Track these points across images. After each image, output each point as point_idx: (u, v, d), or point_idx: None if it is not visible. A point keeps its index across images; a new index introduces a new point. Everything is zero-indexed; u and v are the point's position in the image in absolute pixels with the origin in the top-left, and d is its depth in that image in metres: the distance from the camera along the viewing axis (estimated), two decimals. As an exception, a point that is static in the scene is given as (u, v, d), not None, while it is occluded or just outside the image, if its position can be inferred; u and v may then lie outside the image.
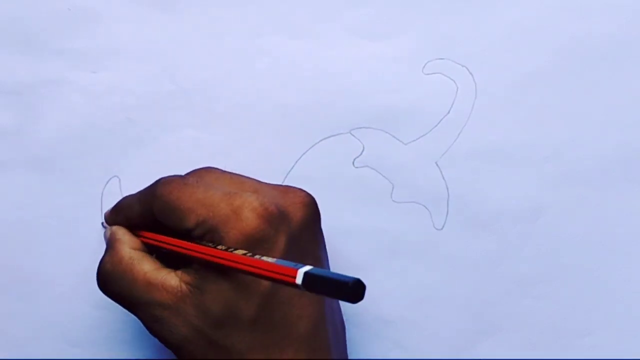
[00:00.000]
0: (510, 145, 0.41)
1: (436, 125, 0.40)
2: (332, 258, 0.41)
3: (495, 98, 0.40)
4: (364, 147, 0.41)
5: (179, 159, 0.40)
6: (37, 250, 0.41)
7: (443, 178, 0.41)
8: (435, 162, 0.41)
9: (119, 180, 0.40)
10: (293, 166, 0.40)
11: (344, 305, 0.41)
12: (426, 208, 0.41)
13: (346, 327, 0.41)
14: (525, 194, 0.41)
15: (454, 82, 0.40)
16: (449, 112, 0.40)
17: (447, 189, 0.41)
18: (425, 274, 0.41)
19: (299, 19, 0.40)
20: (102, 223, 0.40)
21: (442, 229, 0.41)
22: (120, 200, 0.38)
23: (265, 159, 0.41)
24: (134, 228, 0.36)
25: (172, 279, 0.32)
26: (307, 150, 0.40)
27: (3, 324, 0.41)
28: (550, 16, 0.40)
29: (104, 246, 0.40)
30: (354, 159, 0.41)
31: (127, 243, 0.35)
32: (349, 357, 0.40)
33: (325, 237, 0.38)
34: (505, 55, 0.40)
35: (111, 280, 0.34)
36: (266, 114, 0.40)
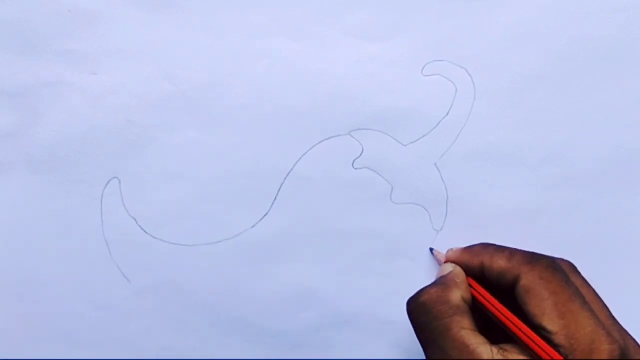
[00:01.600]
0: (508, 147, 0.41)
1: (435, 127, 0.41)
2: (332, 259, 0.41)
3: (494, 99, 0.41)
4: (363, 149, 0.41)
5: (178, 160, 0.40)
6: (37, 251, 0.41)
7: (442, 179, 0.41)
8: (434, 164, 0.41)
9: (119, 181, 0.40)
10: (293, 167, 0.41)
11: (343, 306, 0.41)
12: (425, 209, 0.41)
13: (346, 327, 0.41)
14: (523, 195, 0.41)
15: (453, 83, 0.40)
16: (447, 113, 0.41)
17: (446, 190, 0.41)
18: (425, 275, 0.41)
19: (299, 20, 0.40)
20: (432, 249, 0.40)
21: (441, 229, 0.41)
22: (483, 246, 0.37)
23: (265, 159, 0.41)
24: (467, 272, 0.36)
25: (485, 352, 0.32)
26: (307, 152, 0.41)
27: (3, 324, 0.41)
28: (548, 18, 0.40)
29: (104, 246, 0.41)
30: (354, 160, 0.41)
31: (463, 292, 0.35)
32: (349, 358, 0.41)
33: (324, 238, 0.38)
34: (503, 56, 0.40)
35: (428, 310, 0.34)
36: (266, 115, 0.41)
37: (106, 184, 0.40)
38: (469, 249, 0.37)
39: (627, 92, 0.41)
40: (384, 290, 0.41)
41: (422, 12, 0.40)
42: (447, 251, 0.39)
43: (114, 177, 0.40)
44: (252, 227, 0.41)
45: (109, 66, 0.40)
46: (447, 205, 0.41)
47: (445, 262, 0.38)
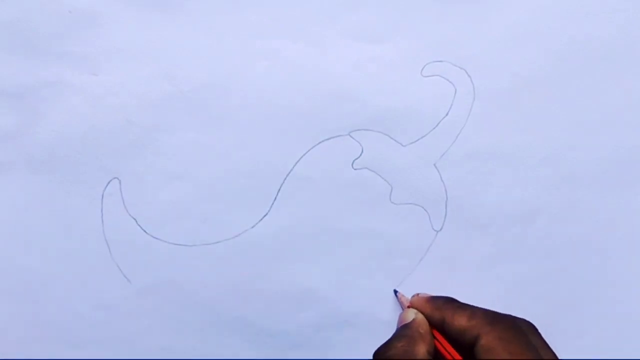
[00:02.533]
0: (507, 147, 0.41)
1: (435, 127, 0.41)
2: (332, 259, 0.41)
3: (493, 100, 0.41)
4: (363, 149, 0.41)
5: (179, 160, 0.41)
6: (38, 251, 0.41)
7: (441, 180, 0.41)
8: (434, 164, 0.41)
9: (119, 182, 0.40)
10: (293, 168, 0.41)
11: (343, 306, 0.41)
12: (425, 209, 0.41)
13: (346, 327, 0.41)
14: (522, 195, 0.41)
15: (452, 84, 0.41)
16: (447, 114, 0.41)
17: (446, 190, 0.41)
18: (424, 275, 0.41)
19: (299, 21, 0.40)
20: (396, 291, 0.41)
21: (440, 230, 0.41)
22: (446, 300, 0.37)
23: (265, 160, 0.41)
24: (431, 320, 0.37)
25: None
26: (307, 152, 0.41)
27: (3, 324, 0.41)
28: (547, 19, 0.41)
29: (105, 246, 0.41)
30: (353, 161, 0.41)
31: (427, 345, 0.35)
32: (349, 358, 0.41)
33: (325, 238, 0.38)
34: (503, 57, 0.41)
35: None
36: (266, 116, 0.41)
37: (107, 185, 0.40)
38: (433, 300, 0.37)
39: (626, 92, 0.41)
40: (384, 290, 0.41)
41: (422, 13, 0.40)
42: (413, 296, 0.39)
43: (115, 178, 0.41)
44: (252, 227, 0.41)
45: (109, 67, 0.40)
46: (446, 205, 0.41)
47: (408, 307, 0.38)
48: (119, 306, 0.41)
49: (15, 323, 0.41)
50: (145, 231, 0.41)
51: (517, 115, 0.41)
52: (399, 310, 0.41)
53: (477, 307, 0.35)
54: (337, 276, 0.41)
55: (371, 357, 0.40)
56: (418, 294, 0.39)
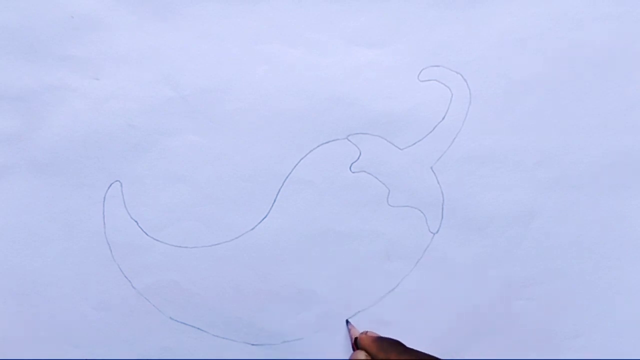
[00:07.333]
0: (503, 151, 0.41)
1: (431, 131, 0.41)
2: (331, 260, 0.41)
3: (489, 104, 0.41)
4: (360, 153, 0.41)
5: (179, 163, 0.41)
6: (40, 253, 0.41)
7: (438, 183, 0.41)
8: (431, 167, 0.41)
9: (121, 184, 0.41)
10: (291, 171, 0.41)
11: (343, 306, 0.41)
12: (421, 212, 0.41)
13: (346, 327, 0.41)
14: (518, 198, 0.41)
15: (449, 89, 0.41)
16: (443, 118, 0.41)
17: (442, 193, 0.41)
18: (421, 276, 0.41)
19: (298, 27, 0.41)
20: (348, 322, 0.41)
21: (437, 232, 0.41)
22: (391, 343, 0.38)
23: (264, 163, 0.41)
24: None
25: None
26: (306, 156, 0.41)
27: (4, 324, 0.41)
28: (543, 25, 0.41)
29: (106, 248, 0.41)
30: (351, 164, 0.41)
31: None
32: (349, 358, 0.41)
33: (323, 240, 0.39)
34: (499, 62, 0.41)
35: None
36: (265, 120, 0.41)
37: (108, 187, 0.41)
38: (379, 341, 0.38)
39: (619, 97, 0.41)
40: (382, 290, 0.41)
41: (419, 19, 0.41)
42: (361, 333, 0.40)
43: (116, 181, 0.41)
44: (252, 229, 0.41)
45: (111, 71, 0.40)
46: (443, 208, 0.41)
47: (358, 349, 0.39)
48: (120, 307, 0.41)
49: (16, 323, 0.41)
50: (146, 233, 0.41)
51: (513, 118, 0.41)
52: (398, 311, 0.41)
53: (421, 352, 0.37)
54: (335, 277, 0.41)
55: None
56: (367, 332, 0.40)
